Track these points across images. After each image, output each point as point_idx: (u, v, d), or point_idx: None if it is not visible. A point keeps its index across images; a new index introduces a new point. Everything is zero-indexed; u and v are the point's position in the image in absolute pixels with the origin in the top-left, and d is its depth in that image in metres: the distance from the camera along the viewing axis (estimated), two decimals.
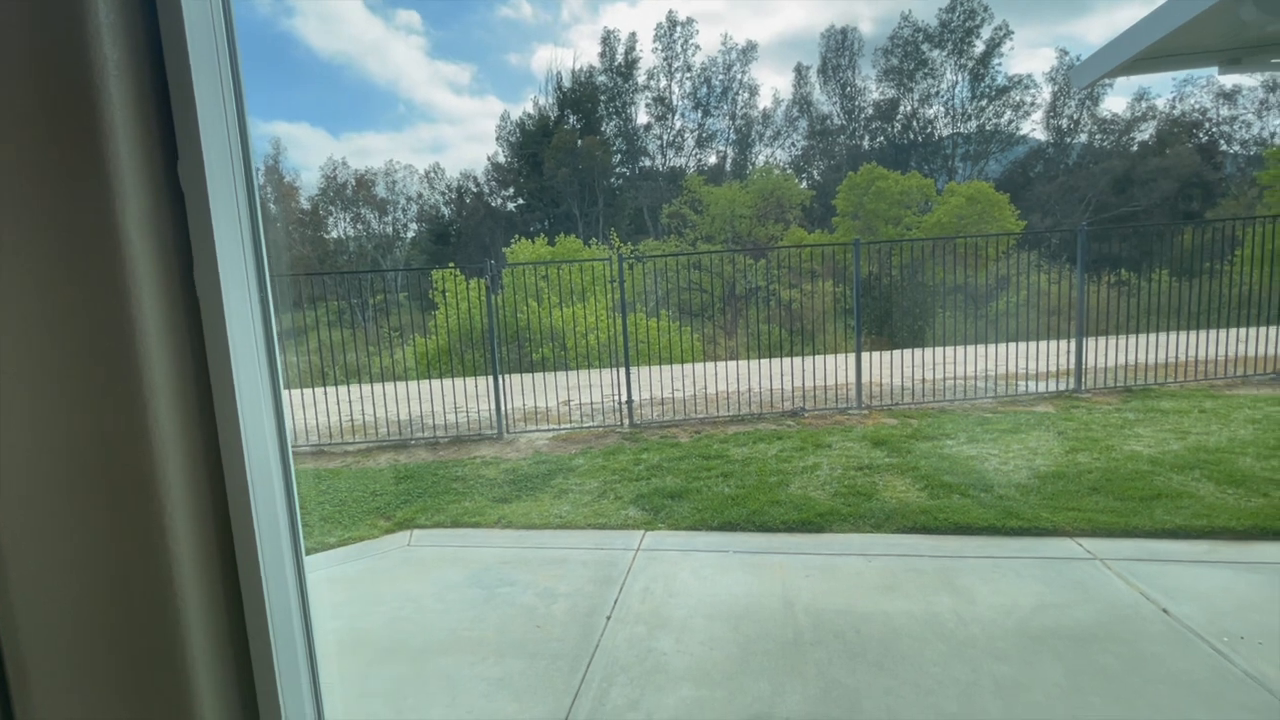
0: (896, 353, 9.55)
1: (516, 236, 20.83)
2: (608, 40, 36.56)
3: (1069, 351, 7.77)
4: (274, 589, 0.88)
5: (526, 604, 3.46)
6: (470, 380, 7.99)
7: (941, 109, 32.91)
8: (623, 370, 7.27)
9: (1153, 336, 8.26)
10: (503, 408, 7.08)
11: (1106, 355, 8.00)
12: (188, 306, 0.80)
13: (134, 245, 0.73)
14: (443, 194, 39.01)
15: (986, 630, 2.94)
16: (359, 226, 37.35)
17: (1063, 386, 7.56)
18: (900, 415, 6.88)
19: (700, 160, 36.14)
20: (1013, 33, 33.27)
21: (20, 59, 0.69)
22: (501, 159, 37.82)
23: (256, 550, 0.85)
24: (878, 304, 15.27)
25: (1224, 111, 28.89)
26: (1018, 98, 31.68)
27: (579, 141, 35.56)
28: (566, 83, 36.83)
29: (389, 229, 38.05)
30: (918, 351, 10.10)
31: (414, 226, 39.27)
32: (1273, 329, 7.98)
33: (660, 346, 10.97)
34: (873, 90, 33.66)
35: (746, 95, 35.59)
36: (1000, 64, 31.98)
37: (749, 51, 35.10)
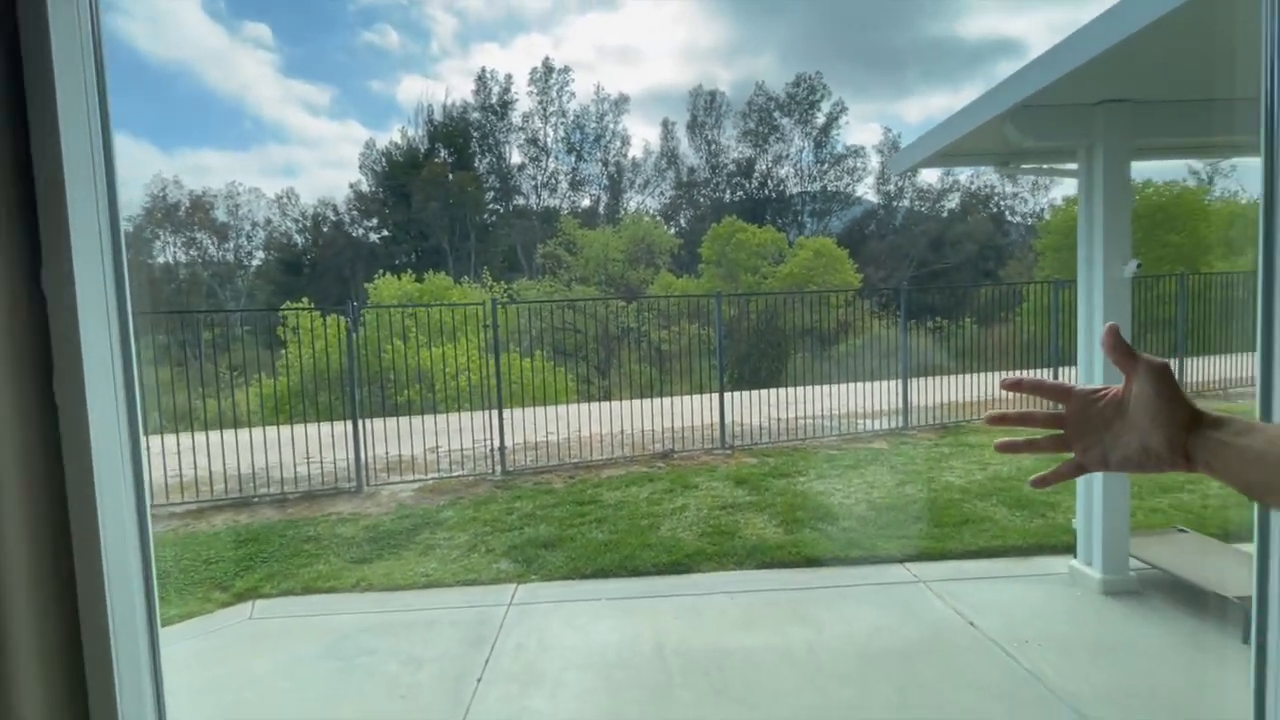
0: (757, 393, 10.29)
1: (381, 271, 19.82)
2: (483, 79, 36.60)
3: (898, 392, 8.85)
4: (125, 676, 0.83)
5: (390, 673, 3.26)
6: (325, 426, 7.40)
7: (791, 170, 36.60)
8: (495, 414, 7.15)
9: (963, 377, 9.66)
10: (363, 457, 6.64)
11: (927, 394, 9.21)
12: (37, 343, 0.78)
13: None
14: (296, 221, 36.14)
15: (833, 657, 3.25)
16: (192, 252, 33.41)
17: (893, 424, 8.57)
18: (759, 454, 7.41)
19: (574, 202, 36.92)
20: (847, 109, 37.98)
21: None
22: (366, 188, 36.00)
23: (108, 633, 0.81)
24: (739, 347, 16.37)
25: (1008, 189, 34.98)
26: (853, 164, 36.15)
27: (450, 175, 34.88)
28: (438, 116, 36.21)
29: (229, 256, 34.43)
30: (775, 391, 10.94)
31: (260, 255, 35.88)
32: (1047, 371, 9.65)
33: (534, 387, 10.91)
34: (734, 149, 36.63)
35: (619, 144, 37.14)
36: (839, 134, 36.35)
37: (621, 103, 36.79)
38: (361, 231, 36.35)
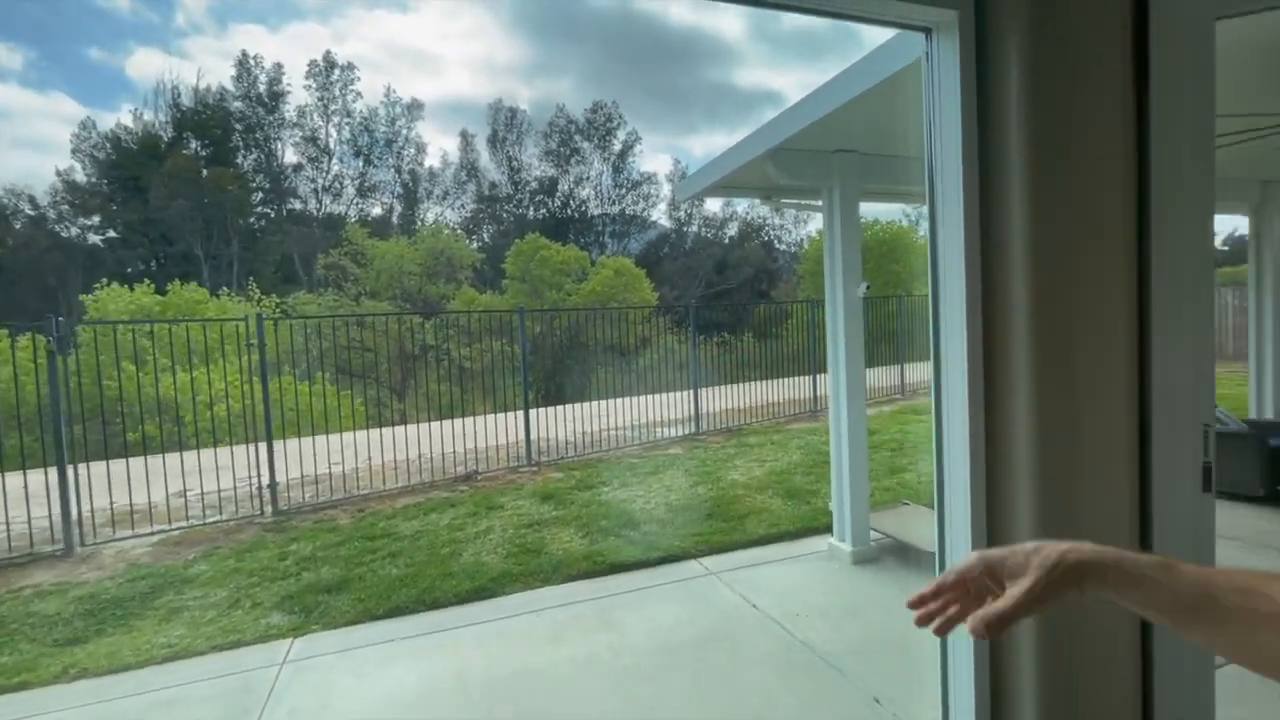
0: (563, 407, 10.39)
1: (105, 280, 16.11)
2: (246, 64, 32.04)
3: (691, 400, 9.59)
4: None
5: None
6: (13, 476, 5.74)
7: (593, 191, 37.96)
8: (264, 446, 6.22)
9: (744, 385, 10.80)
10: (75, 510, 5.31)
11: (716, 402, 10.12)
12: None
13: None
14: None
15: (636, 657, 3.37)
16: None
17: (687, 430, 9.27)
18: (565, 468, 7.47)
19: (363, 210, 33.96)
20: (641, 138, 40.69)
21: None
22: (82, 177, 29.14)
23: None
24: (545, 363, 16.41)
25: (777, 221, 40.30)
26: (648, 190, 38.71)
27: (204, 171, 29.83)
28: (187, 101, 30.81)
29: None
30: (581, 406, 11.16)
31: None
32: (806, 378, 11.22)
33: (316, 414, 9.72)
34: (536, 167, 36.87)
35: (413, 151, 35.12)
36: (635, 161, 38.76)
37: (415, 108, 34.89)
38: (76, 231, 29.35)
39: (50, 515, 5.35)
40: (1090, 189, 1.28)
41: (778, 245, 40.77)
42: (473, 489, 6.71)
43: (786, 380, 11.08)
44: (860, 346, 4.45)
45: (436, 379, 14.69)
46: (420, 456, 7.75)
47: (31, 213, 28.55)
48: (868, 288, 4.52)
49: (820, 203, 4.79)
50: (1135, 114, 1.29)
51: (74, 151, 29.72)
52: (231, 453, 6.58)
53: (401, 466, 7.36)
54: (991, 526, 1.39)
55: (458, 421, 9.07)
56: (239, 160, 31.86)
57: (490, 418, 9.44)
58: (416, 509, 6.07)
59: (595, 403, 11.17)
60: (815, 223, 40.00)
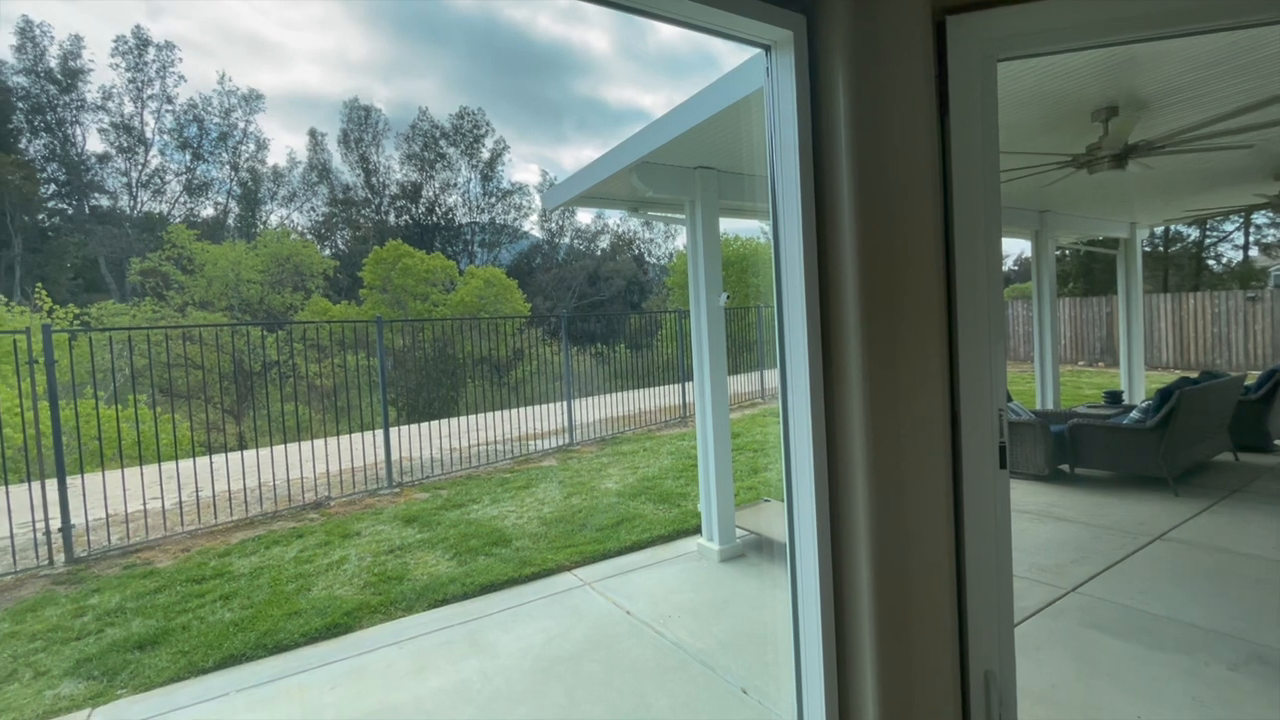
0: (431, 424, 9.84)
1: None
2: (29, 33, 27.14)
3: (565, 411, 9.52)
4: None
5: None
6: None
7: (460, 199, 36.60)
8: (52, 483, 5.22)
9: (619, 395, 10.92)
10: None
11: (590, 412, 10.13)
12: None
13: None
14: None
15: (508, 679, 3.23)
16: None
17: (562, 442, 9.17)
18: (431, 488, 7.07)
19: (191, 210, 30.04)
20: (509, 147, 40.01)
21: None
22: None
23: None
24: (410, 377, 15.48)
25: (647, 234, 41.48)
26: (519, 200, 38.12)
27: None
28: None
29: None
30: (450, 421, 10.65)
31: None
32: (677, 386, 11.61)
33: (129, 442, 8.36)
34: (396, 171, 34.86)
35: (253, 147, 31.74)
36: (504, 170, 38.03)
37: (254, 100, 31.57)
38: None
39: None
40: (910, 204, 1.44)
41: (649, 258, 41.99)
42: (324, 517, 6.12)
43: (658, 388, 11.37)
44: (722, 353, 4.67)
45: (280, 398, 13.29)
46: (261, 485, 6.95)
47: None
48: (728, 297, 4.76)
49: (684, 216, 4.98)
50: (939, 141, 1.47)
51: None
52: (7, 493, 5.45)
53: (238, 497, 6.55)
54: (835, 513, 1.49)
55: (306, 444, 8.27)
56: (23, 145, 26.89)
57: (345, 439, 8.71)
58: (256, 543, 5.41)
59: (465, 418, 10.72)
60: (683, 238, 41.66)
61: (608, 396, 10.92)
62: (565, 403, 9.50)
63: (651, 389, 11.33)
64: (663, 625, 3.67)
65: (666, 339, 13.60)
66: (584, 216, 40.95)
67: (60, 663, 3.60)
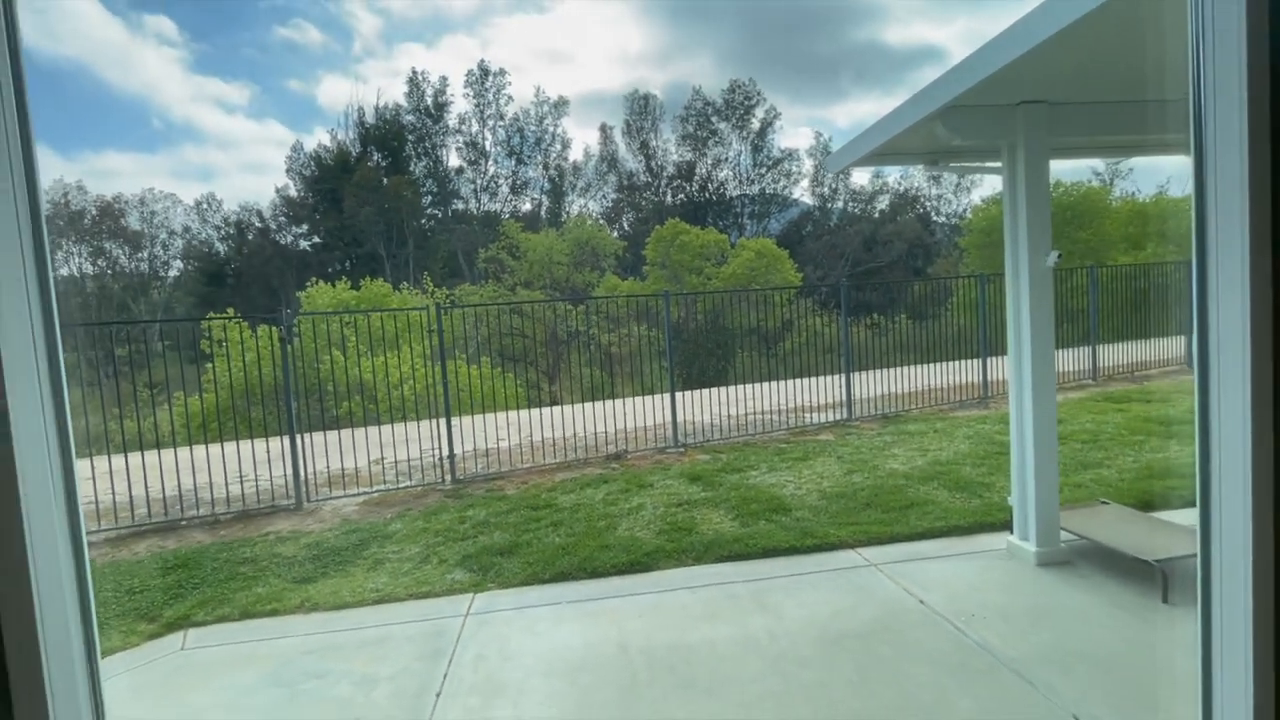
0: (706, 391, 10.43)
1: (313, 279, 19.00)
2: (415, 81, 35.66)
3: (841, 385, 9.15)
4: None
5: (342, 696, 3.11)
6: (259, 443, 7.00)
7: (730, 173, 37.32)
8: (443, 422, 6.95)
9: (900, 370, 10.08)
10: (302, 472, 6.33)
11: (869, 387, 9.56)
12: None
13: None
14: (218, 228, 34.20)
15: (794, 642, 3.32)
16: (100, 263, 31.05)
17: (838, 416, 8.86)
18: (711, 450, 7.50)
19: (515, 206, 36.44)
20: (780, 114, 39.06)
21: None
22: (294, 192, 34.41)
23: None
24: (687, 347, 16.55)
25: (933, 191, 36.84)
26: (789, 168, 37.23)
27: (384, 180, 33.80)
28: (370, 118, 35.04)
29: (143, 266, 32.21)
30: (723, 389, 11.13)
31: (178, 264, 33.75)
32: (976, 362, 10.20)
33: (482, 395, 10.69)
34: (673, 152, 37.03)
35: (559, 147, 36.91)
36: (774, 138, 37.36)
37: (560, 106, 36.60)
38: (290, 238, 34.74)
39: (284, 475, 6.44)
40: None
41: (935, 217, 37.34)
42: (623, 467, 6.99)
43: (949, 364, 10.16)
44: (1049, 324, 3.95)
45: (581, 363, 15.46)
46: (573, 436, 8.21)
47: (259, 225, 34.25)
48: (1059, 257, 3.99)
49: (998, 164, 4.29)
50: None
51: (287, 170, 35.09)
52: (417, 427, 7.45)
53: (558, 444, 7.86)
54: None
55: (605, 403, 9.47)
56: (411, 168, 35.61)
57: (635, 400, 9.73)
58: (573, 484, 6.45)
59: (738, 386, 11.07)
60: (980, 190, 35.89)
61: (887, 371, 10.14)
62: (843, 376, 9.13)
63: (941, 364, 10.17)
64: (965, 623, 3.34)
65: (960, 308, 11.97)
66: (859, 177, 38.09)
67: (453, 555, 4.83)
